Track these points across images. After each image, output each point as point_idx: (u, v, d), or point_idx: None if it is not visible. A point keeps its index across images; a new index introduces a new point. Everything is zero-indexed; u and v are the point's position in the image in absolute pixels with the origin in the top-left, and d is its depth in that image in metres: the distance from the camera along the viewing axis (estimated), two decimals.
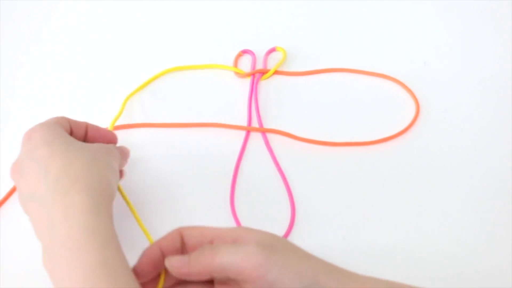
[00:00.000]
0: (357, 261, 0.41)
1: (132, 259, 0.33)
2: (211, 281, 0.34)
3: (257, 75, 0.52)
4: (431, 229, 0.42)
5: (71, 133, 0.39)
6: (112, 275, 0.30)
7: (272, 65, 0.53)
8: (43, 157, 0.34)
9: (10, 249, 0.41)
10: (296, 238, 0.42)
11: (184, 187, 0.45)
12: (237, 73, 0.52)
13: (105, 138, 0.41)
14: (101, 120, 0.48)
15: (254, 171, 0.46)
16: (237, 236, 0.33)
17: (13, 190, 0.44)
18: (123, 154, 0.42)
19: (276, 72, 0.53)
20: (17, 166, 0.36)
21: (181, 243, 0.34)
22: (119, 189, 0.40)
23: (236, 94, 0.51)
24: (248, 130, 0.48)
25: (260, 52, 0.54)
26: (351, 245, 0.42)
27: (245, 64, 0.54)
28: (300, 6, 0.59)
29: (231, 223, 0.43)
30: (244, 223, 0.43)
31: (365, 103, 0.50)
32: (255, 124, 0.49)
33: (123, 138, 0.48)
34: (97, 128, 0.41)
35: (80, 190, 0.33)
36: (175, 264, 0.32)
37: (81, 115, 0.49)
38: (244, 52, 0.54)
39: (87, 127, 0.40)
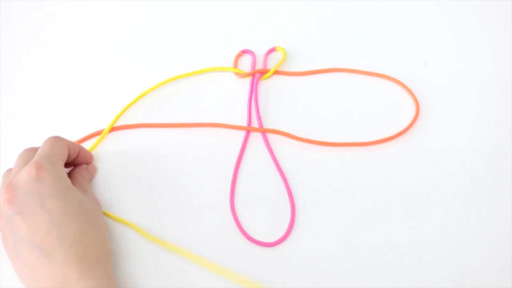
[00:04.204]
0: (357, 262, 0.41)
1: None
2: None
3: (257, 75, 0.52)
4: (431, 229, 0.42)
5: (67, 157, 0.41)
6: None
7: (272, 65, 0.53)
8: (56, 211, 0.35)
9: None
10: (296, 238, 0.42)
11: (184, 187, 0.45)
12: (237, 73, 0.52)
13: (88, 159, 0.44)
14: (101, 121, 0.48)
15: (254, 171, 0.46)
16: None
17: None
18: (91, 173, 0.44)
19: (276, 72, 0.53)
20: (18, 199, 0.36)
21: None
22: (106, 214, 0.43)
23: (236, 94, 0.51)
24: (248, 130, 0.48)
25: (260, 52, 0.54)
26: (351, 246, 0.42)
27: (245, 64, 0.54)
28: (300, 6, 0.59)
29: (231, 223, 0.43)
30: (244, 223, 0.43)
31: (365, 103, 0.50)
32: (255, 124, 0.49)
33: (123, 138, 0.48)
34: (85, 151, 0.44)
35: (94, 260, 0.35)
36: None
37: (80, 115, 0.49)
38: (244, 52, 0.54)
39: (80, 151, 0.43)
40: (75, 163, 0.43)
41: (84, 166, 0.44)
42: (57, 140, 0.40)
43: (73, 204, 0.36)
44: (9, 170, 0.40)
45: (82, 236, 0.35)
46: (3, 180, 0.40)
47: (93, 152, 0.46)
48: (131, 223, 0.42)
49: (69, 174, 0.42)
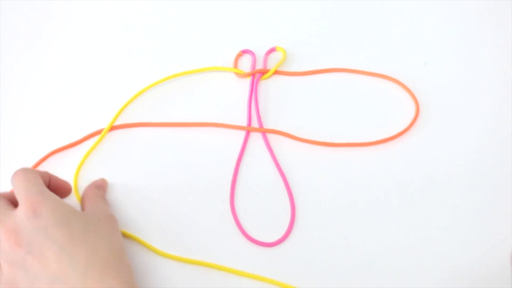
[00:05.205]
0: (357, 262, 0.41)
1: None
2: None
3: (257, 75, 0.52)
4: (431, 229, 0.42)
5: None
6: None
7: (272, 65, 0.53)
8: (61, 239, 0.35)
9: None
10: (296, 238, 0.42)
11: (184, 187, 0.45)
12: (237, 73, 0.52)
13: (63, 188, 0.41)
14: (101, 120, 0.48)
15: (254, 171, 0.46)
16: None
17: None
18: (102, 187, 0.43)
19: (276, 72, 0.53)
20: (25, 240, 0.35)
21: None
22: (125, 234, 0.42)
23: (236, 94, 0.51)
24: (248, 130, 0.48)
25: (260, 52, 0.54)
26: (351, 246, 0.42)
27: (245, 64, 0.54)
28: (300, 6, 0.59)
29: (231, 223, 0.43)
30: (244, 223, 0.43)
31: (365, 103, 0.50)
32: (255, 124, 0.49)
33: (123, 138, 0.48)
34: (56, 179, 0.41)
35: (113, 277, 0.34)
36: None
37: (80, 116, 0.49)
38: (244, 52, 0.54)
39: (50, 177, 0.40)
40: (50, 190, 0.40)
41: (95, 183, 0.43)
42: (26, 171, 0.38)
43: (76, 228, 0.35)
44: None
45: (94, 256, 0.35)
46: None
47: (93, 152, 0.46)
48: (132, 234, 0.42)
49: (83, 196, 0.42)
